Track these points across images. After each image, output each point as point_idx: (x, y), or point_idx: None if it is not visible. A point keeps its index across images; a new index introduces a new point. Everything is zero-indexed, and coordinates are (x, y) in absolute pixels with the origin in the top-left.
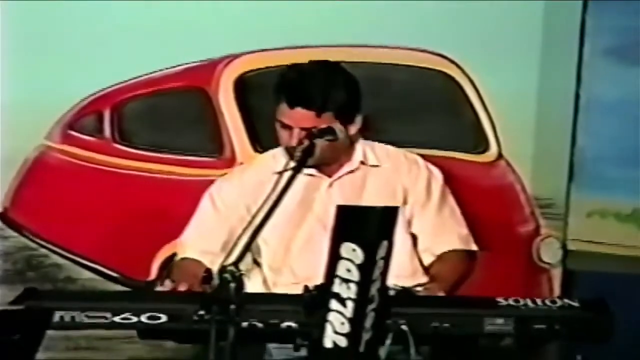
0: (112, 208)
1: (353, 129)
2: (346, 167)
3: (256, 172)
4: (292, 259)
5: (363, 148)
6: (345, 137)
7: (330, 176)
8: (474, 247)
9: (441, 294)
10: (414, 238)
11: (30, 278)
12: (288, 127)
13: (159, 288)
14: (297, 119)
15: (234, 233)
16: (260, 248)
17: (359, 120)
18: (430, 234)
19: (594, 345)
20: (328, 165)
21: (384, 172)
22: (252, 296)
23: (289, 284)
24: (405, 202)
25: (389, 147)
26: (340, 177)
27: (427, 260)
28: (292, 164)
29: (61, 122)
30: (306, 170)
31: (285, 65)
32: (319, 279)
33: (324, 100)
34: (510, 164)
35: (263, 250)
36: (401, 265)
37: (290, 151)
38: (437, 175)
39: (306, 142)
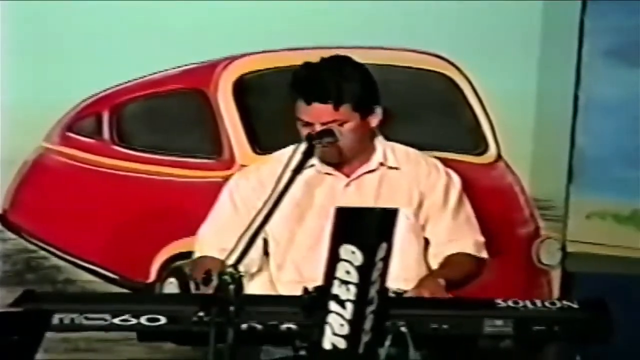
0: (111, 210)
1: (374, 121)
2: (365, 167)
3: (273, 168)
4: (300, 257)
5: (383, 148)
6: (363, 131)
7: (348, 175)
8: (485, 255)
9: (440, 282)
10: (426, 242)
11: (29, 280)
12: (309, 124)
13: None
14: (315, 114)
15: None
16: (269, 244)
17: (379, 112)
18: (444, 239)
19: (593, 346)
20: (346, 164)
21: (402, 175)
22: (252, 298)
23: (293, 282)
24: (420, 206)
25: (409, 149)
26: (358, 177)
27: (436, 263)
28: (292, 166)
29: (60, 124)
30: (324, 169)
31: (284, 66)
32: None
33: (339, 93)
34: (510, 165)
35: (271, 247)
36: (408, 268)
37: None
38: (456, 181)
39: (304, 145)
